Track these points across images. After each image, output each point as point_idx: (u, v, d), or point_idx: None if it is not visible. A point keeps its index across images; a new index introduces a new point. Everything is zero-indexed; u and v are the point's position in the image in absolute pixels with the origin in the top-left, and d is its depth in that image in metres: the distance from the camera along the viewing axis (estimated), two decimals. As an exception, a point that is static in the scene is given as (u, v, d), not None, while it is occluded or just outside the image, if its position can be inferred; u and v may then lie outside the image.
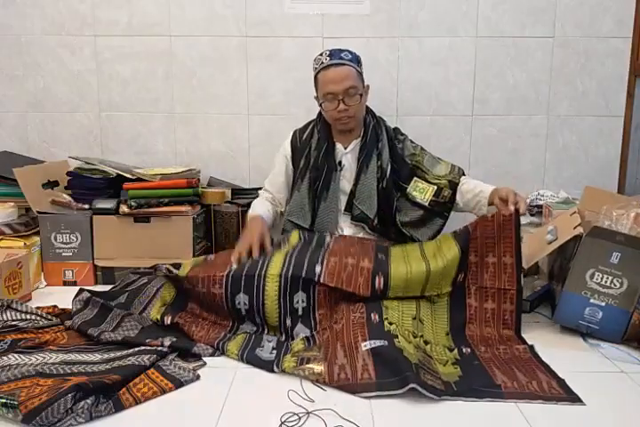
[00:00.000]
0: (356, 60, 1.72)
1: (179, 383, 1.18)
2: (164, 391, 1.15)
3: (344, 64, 1.68)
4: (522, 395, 1.14)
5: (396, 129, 1.86)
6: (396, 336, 1.27)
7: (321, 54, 1.71)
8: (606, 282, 1.42)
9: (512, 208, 1.47)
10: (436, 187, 1.78)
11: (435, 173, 1.80)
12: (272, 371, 1.25)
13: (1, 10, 2.11)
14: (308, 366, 1.23)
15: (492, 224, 1.47)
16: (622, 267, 1.41)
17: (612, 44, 2.10)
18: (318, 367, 1.22)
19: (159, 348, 1.30)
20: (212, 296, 1.43)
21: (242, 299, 1.41)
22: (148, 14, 2.10)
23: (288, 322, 1.41)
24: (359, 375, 1.18)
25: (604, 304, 1.43)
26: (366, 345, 1.24)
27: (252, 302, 1.40)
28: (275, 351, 1.33)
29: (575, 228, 1.53)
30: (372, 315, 1.35)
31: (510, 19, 2.09)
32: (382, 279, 1.41)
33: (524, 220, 2.03)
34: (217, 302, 1.43)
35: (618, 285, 1.42)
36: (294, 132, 1.85)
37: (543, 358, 1.31)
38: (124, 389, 1.13)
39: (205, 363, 1.29)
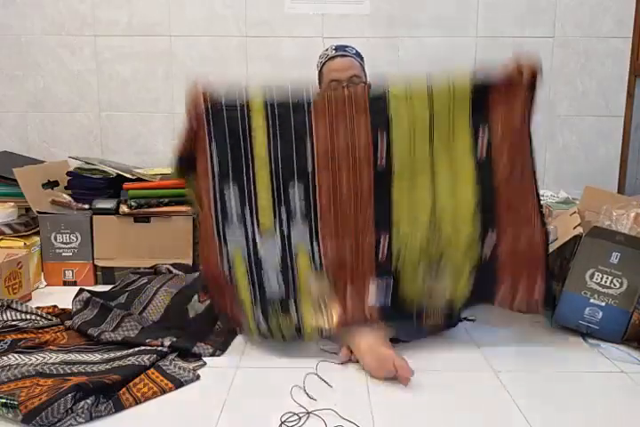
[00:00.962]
0: (359, 55, 1.77)
1: (179, 383, 1.18)
2: (163, 391, 1.15)
3: (349, 56, 1.72)
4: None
5: None
6: (399, 275, 1.29)
7: (326, 49, 1.75)
8: (606, 282, 1.42)
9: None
10: None
11: None
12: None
13: (1, 10, 2.11)
14: (323, 319, 1.28)
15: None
16: (622, 267, 1.41)
17: (612, 44, 2.10)
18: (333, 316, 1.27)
19: (159, 348, 1.30)
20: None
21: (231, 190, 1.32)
22: (148, 14, 2.10)
23: (284, 215, 1.32)
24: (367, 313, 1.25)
25: (603, 304, 1.42)
26: (372, 299, 1.27)
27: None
28: (282, 285, 1.30)
29: (575, 228, 1.53)
30: (382, 240, 1.30)
31: (510, 19, 2.09)
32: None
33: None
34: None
35: (618, 285, 1.42)
36: None
37: (543, 358, 1.31)
38: (124, 389, 1.13)
39: (205, 363, 1.29)
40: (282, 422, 1.04)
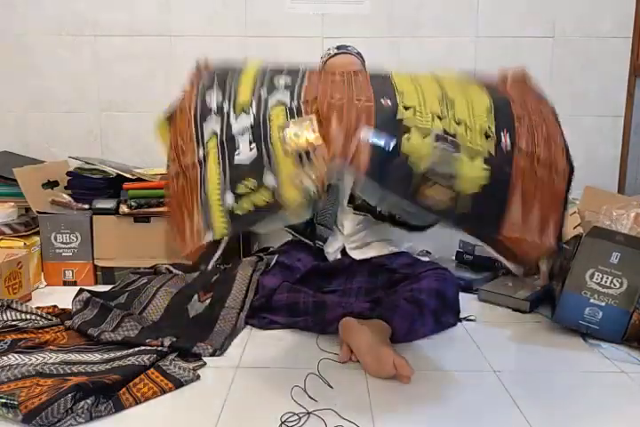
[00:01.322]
0: (361, 55, 1.78)
1: (179, 383, 1.18)
2: (164, 391, 1.15)
3: (350, 54, 1.74)
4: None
5: None
6: (409, 130, 0.98)
7: (328, 49, 1.77)
8: (606, 282, 1.42)
9: None
10: None
11: None
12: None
13: (1, 10, 2.11)
14: (298, 137, 0.98)
15: None
16: (622, 267, 1.41)
17: (611, 44, 2.10)
18: (312, 135, 0.97)
19: (159, 348, 1.30)
20: None
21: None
22: (148, 14, 2.10)
23: (262, 93, 1.09)
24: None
25: (603, 304, 1.43)
26: (367, 137, 0.96)
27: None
28: (254, 145, 1.01)
29: (575, 228, 1.53)
30: (383, 100, 1.03)
31: (510, 19, 2.09)
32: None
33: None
34: None
35: (618, 285, 1.42)
36: None
37: (543, 358, 1.31)
38: (124, 389, 1.13)
39: (205, 363, 1.29)
40: (282, 422, 1.04)
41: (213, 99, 1.13)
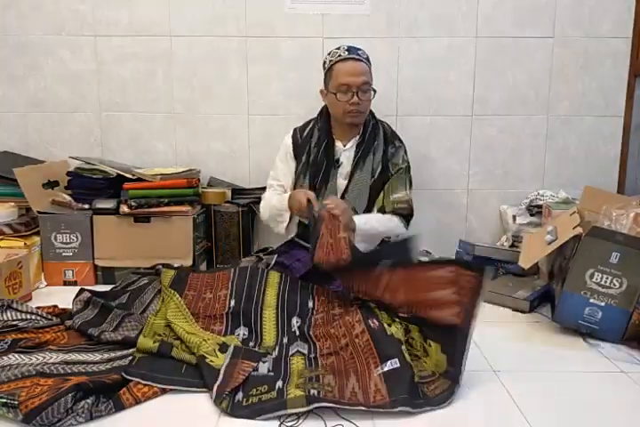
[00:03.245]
0: (369, 61, 1.77)
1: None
2: (164, 391, 1.15)
3: (361, 60, 1.73)
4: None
5: (394, 134, 1.86)
6: (401, 342, 1.23)
7: (338, 48, 1.75)
8: (606, 282, 1.42)
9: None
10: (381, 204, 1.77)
11: (389, 195, 1.78)
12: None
13: (1, 10, 2.11)
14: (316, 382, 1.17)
15: None
16: (622, 267, 1.41)
17: (611, 44, 2.10)
18: (328, 378, 1.18)
19: (159, 348, 1.29)
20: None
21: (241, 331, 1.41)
22: (148, 14, 2.10)
23: (285, 340, 1.37)
24: (371, 398, 1.11)
25: (603, 304, 1.43)
26: (378, 370, 1.16)
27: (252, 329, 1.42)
28: (272, 373, 1.22)
29: (575, 228, 1.53)
30: (371, 322, 1.29)
31: (510, 19, 2.09)
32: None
33: (524, 219, 2.04)
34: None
35: (617, 285, 1.42)
36: (294, 130, 1.86)
37: (543, 358, 1.30)
38: (124, 388, 1.13)
39: (205, 363, 1.29)
40: (281, 422, 1.04)
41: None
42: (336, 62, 1.72)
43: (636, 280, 1.40)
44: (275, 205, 1.77)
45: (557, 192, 2.07)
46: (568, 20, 2.09)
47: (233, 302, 1.46)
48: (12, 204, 1.91)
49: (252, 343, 1.36)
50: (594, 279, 1.43)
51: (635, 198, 1.65)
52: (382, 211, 1.77)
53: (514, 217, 2.06)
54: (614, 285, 1.42)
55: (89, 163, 1.98)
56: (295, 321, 1.42)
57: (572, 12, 2.08)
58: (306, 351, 1.32)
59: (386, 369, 1.16)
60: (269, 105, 2.15)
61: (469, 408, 1.11)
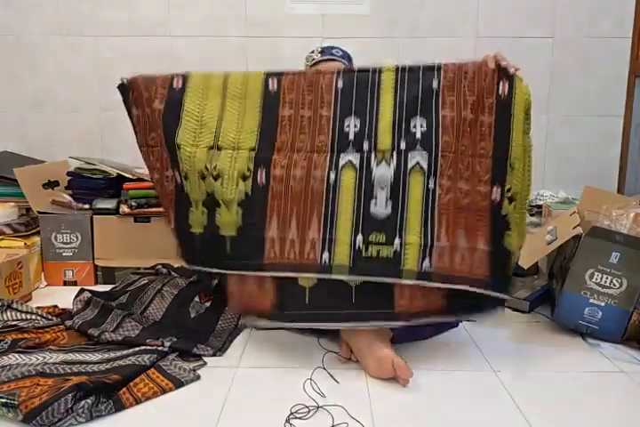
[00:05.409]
0: (347, 57, 1.72)
1: (179, 383, 1.18)
2: (164, 391, 1.15)
3: (335, 60, 1.67)
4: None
5: None
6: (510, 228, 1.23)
7: (312, 51, 1.71)
8: (606, 282, 1.42)
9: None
10: None
11: None
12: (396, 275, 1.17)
13: (1, 10, 2.11)
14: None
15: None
16: (622, 267, 1.41)
17: (611, 44, 2.10)
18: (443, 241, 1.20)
19: (159, 348, 1.30)
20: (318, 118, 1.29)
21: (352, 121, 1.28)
22: (148, 14, 2.10)
23: (402, 145, 1.25)
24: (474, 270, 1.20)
25: (603, 304, 1.43)
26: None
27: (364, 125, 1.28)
28: (389, 212, 1.20)
29: (574, 228, 1.53)
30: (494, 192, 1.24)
31: (510, 19, 2.09)
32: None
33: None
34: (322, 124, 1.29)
35: (617, 285, 1.42)
36: None
37: (543, 358, 1.31)
38: (124, 388, 1.13)
39: (205, 363, 1.29)
40: (291, 413, 1.06)
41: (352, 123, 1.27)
42: (311, 67, 1.68)
43: (636, 280, 1.40)
44: None
45: (557, 192, 2.07)
46: (568, 20, 2.09)
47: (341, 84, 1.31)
48: (12, 204, 1.91)
49: (365, 145, 1.25)
50: (594, 279, 1.43)
51: (635, 198, 1.65)
52: None
53: (514, 217, 2.06)
54: (614, 285, 1.42)
55: (89, 163, 1.98)
56: (418, 124, 1.26)
57: (572, 12, 2.09)
58: (426, 165, 1.23)
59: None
60: (269, 105, 2.15)
61: (469, 408, 1.11)
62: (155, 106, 1.33)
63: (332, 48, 1.70)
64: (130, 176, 1.92)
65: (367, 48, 2.09)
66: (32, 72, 2.15)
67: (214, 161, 1.28)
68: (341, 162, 1.26)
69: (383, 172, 1.23)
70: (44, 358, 1.25)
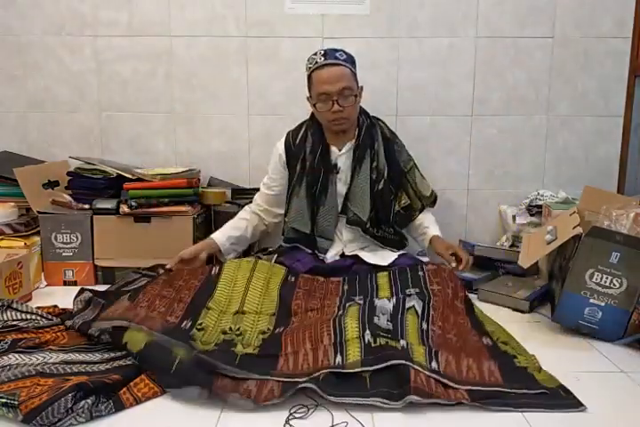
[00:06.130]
0: (351, 60, 1.71)
1: (179, 383, 1.18)
2: (164, 391, 1.15)
3: (339, 64, 1.66)
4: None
5: (393, 132, 1.86)
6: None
7: (315, 53, 1.71)
8: (606, 282, 1.42)
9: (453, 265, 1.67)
10: (410, 202, 1.82)
11: (420, 190, 1.83)
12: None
13: (1, 10, 2.11)
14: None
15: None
16: (622, 267, 1.41)
17: (611, 44, 2.10)
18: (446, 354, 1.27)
19: (159, 348, 1.29)
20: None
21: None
22: (148, 14, 2.10)
23: (400, 295, 1.51)
24: (486, 378, 1.21)
25: (603, 304, 1.43)
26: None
27: None
28: (390, 324, 1.34)
29: (574, 228, 1.53)
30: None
31: (510, 19, 2.09)
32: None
33: (524, 219, 2.04)
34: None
35: (617, 285, 1.42)
36: (287, 134, 1.85)
37: (543, 358, 1.31)
38: (124, 388, 1.13)
39: (205, 363, 1.29)
40: (290, 414, 1.06)
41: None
42: (314, 70, 1.68)
43: (636, 280, 1.40)
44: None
45: (557, 192, 2.07)
46: (568, 19, 2.09)
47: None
48: (12, 204, 1.91)
49: (368, 297, 1.50)
50: (594, 279, 1.43)
51: (635, 198, 1.65)
52: (420, 208, 1.84)
53: (514, 217, 2.06)
54: (614, 285, 1.42)
55: (89, 163, 1.98)
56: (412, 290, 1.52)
57: (572, 12, 2.08)
58: (420, 310, 1.42)
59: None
60: (269, 105, 2.15)
61: (469, 408, 1.11)
62: None
63: (336, 51, 1.69)
64: (130, 176, 1.92)
65: (367, 48, 2.09)
66: (32, 72, 2.15)
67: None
68: (347, 304, 1.45)
69: (384, 304, 1.41)
70: (44, 358, 1.25)
